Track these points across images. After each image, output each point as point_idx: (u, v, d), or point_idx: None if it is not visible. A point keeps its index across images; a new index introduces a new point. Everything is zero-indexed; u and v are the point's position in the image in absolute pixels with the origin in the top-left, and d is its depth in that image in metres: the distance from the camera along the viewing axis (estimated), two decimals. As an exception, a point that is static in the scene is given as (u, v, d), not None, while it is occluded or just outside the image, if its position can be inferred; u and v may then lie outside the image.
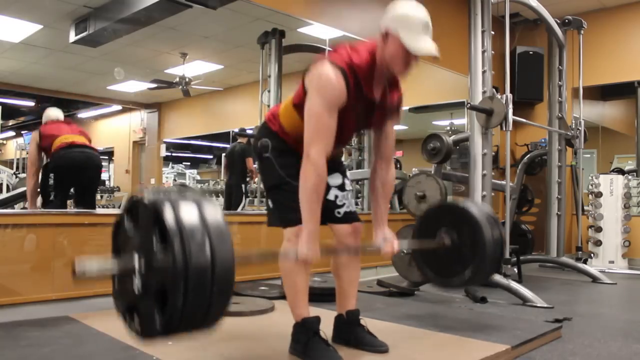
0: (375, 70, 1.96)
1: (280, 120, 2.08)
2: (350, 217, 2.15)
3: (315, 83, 1.88)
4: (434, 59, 1.90)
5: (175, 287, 1.26)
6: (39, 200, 3.99)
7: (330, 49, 2.02)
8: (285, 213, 2.01)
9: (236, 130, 10.42)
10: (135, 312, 1.38)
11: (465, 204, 2.51)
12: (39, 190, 3.96)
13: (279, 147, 2.07)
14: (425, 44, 1.88)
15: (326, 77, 1.86)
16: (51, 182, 3.84)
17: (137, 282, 1.34)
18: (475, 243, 2.37)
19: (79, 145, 3.93)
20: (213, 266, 1.29)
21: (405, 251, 3.73)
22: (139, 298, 1.35)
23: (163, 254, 1.29)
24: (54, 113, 4.17)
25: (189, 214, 1.32)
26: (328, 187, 2.12)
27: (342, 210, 2.14)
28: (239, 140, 6.73)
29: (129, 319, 1.40)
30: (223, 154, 7.08)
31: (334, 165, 2.17)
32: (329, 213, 2.10)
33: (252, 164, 6.43)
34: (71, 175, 3.89)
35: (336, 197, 2.14)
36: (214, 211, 1.37)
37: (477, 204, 2.56)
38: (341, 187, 2.18)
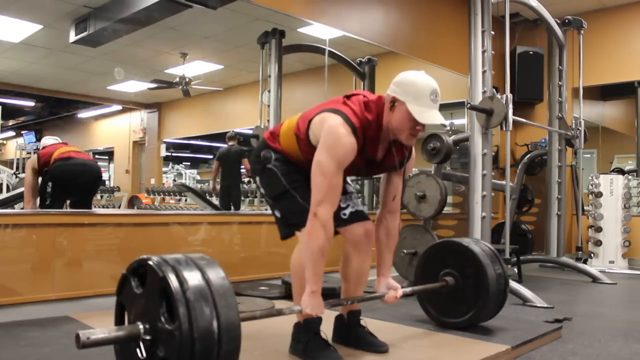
0: (381, 132, 1.96)
1: (280, 141, 2.07)
2: (358, 216, 2.11)
3: (327, 139, 1.85)
4: (442, 126, 1.91)
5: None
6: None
7: (344, 97, 2.00)
8: (295, 218, 1.98)
9: (236, 130, 10.45)
10: None
11: (467, 242, 2.52)
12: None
13: (281, 157, 2.06)
14: (432, 114, 1.87)
15: (338, 136, 1.84)
16: (49, 189, 3.86)
17: (142, 349, 1.34)
18: (479, 284, 2.40)
19: (78, 157, 3.98)
20: (219, 340, 1.29)
21: (405, 251, 3.74)
22: None
23: (169, 324, 1.29)
24: (50, 139, 4.29)
25: (195, 282, 1.32)
26: None
27: (347, 212, 2.10)
28: (230, 143, 6.81)
29: None
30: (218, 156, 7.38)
31: None
32: (335, 218, 2.06)
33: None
34: (70, 186, 3.92)
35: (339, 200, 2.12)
36: (220, 278, 1.38)
37: (478, 242, 2.58)
38: (342, 192, 2.12)
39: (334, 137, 1.84)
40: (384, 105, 1.94)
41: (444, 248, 2.63)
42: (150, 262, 1.36)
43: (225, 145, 6.87)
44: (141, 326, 1.34)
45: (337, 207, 2.06)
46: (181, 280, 1.31)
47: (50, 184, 3.86)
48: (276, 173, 2.03)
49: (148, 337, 1.33)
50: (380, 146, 2.00)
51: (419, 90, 1.88)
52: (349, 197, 2.14)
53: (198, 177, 13.63)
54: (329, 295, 2.65)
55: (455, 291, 2.47)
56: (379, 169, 2.10)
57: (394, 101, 1.90)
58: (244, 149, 6.64)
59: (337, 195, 1.89)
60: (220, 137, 11.68)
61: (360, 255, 2.12)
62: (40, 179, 3.96)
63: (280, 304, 2.92)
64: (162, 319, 1.31)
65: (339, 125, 1.85)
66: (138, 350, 1.35)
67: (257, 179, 2.13)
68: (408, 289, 2.31)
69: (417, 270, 2.67)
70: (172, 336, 1.27)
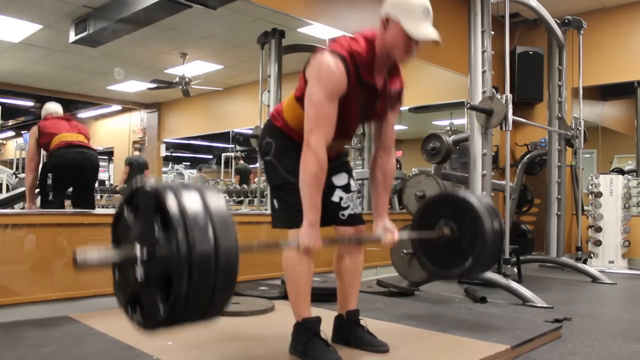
0: (375, 57, 1.96)
1: (284, 115, 2.06)
2: (354, 220, 2.12)
3: (315, 72, 1.88)
4: (435, 43, 1.89)
5: (179, 274, 1.24)
6: (38, 200, 4.00)
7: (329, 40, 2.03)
8: (290, 214, 1.97)
9: (236, 130, 10.52)
10: (138, 303, 1.36)
11: (465, 194, 2.50)
12: (37, 190, 3.97)
13: (283, 144, 2.05)
14: (426, 30, 1.88)
15: (326, 65, 1.86)
16: (49, 182, 3.84)
17: (139, 271, 1.32)
18: (475, 234, 2.36)
19: (78, 145, 3.94)
20: (217, 254, 1.28)
21: (405, 251, 3.74)
22: (141, 287, 1.33)
23: (166, 241, 1.27)
24: (53, 107, 4.14)
25: (191, 201, 1.31)
26: (333, 188, 2.10)
27: (346, 213, 2.11)
28: (136, 154, 9.07)
29: (132, 311, 1.38)
30: (127, 160, 8.79)
31: (340, 163, 2.16)
32: (333, 215, 2.08)
33: (148, 175, 8.72)
34: (69, 175, 3.90)
35: (341, 198, 2.11)
36: (217, 199, 1.36)
37: (477, 195, 2.55)
38: (346, 188, 2.14)
39: (322, 66, 1.86)
40: (375, 33, 1.96)
41: (441, 200, 2.59)
42: (144, 187, 1.36)
43: (136, 154, 9.04)
44: (138, 243, 1.33)
45: (338, 207, 2.09)
46: (176, 194, 1.30)
47: (50, 175, 3.83)
48: (276, 165, 2.04)
49: (146, 255, 1.31)
50: (376, 73, 1.99)
51: (411, 7, 1.89)
52: (351, 197, 2.14)
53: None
54: (328, 295, 2.66)
55: (452, 242, 2.41)
56: (381, 104, 2.06)
57: (387, 20, 1.92)
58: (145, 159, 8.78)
59: (330, 124, 1.87)
60: (220, 137, 11.72)
61: (352, 254, 2.14)
62: (39, 177, 3.94)
63: (280, 304, 2.93)
64: (158, 235, 1.29)
65: (327, 58, 1.87)
66: (136, 274, 1.33)
67: (263, 164, 2.14)
68: (405, 233, 2.30)
69: (414, 221, 2.62)
70: (169, 251, 1.25)
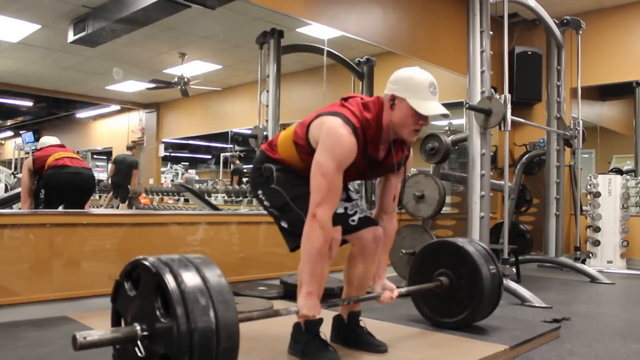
0: (382, 132, 1.94)
1: (279, 150, 2.05)
2: (367, 222, 2.08)
3: (326, 140, 1.84)
4: (444, 116, 1.89)
5: (181, 356, 1.26)
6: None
7: (343, 99, 2.00)
8: (302, 228, 1.89)
9: (235, 130, 10.53)
10: None
11: (461, 242, 2.52)
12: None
13: (282, 167, 2.03)
14: (433, 106, 1.87)
15: (338, 136, 1.82)
16: (41, 196, 3.94)
17: (140, 349, 1.34)
18: (473, 284, 2.40)
19: (73, 165, 4.00)
20: (218, 338, 1.29)
21: (404, 251, 3.74)
22: None
23: (167, 323, 1.28)
24: (48, 140, 4.28)
25: (191, 280, 1.32)
26: None
27: (356, 218, 2.06)
28: (127, 153, 8.79)
29: None
30: (113, 159, 8.69)
31: None
32: (343, 225, 2.02)
33: (137, 175, 8.52)
34: (63, 193, 3.96)
35: (345, 208, 2.07)
36: (216, 276, 1.37)
37: (472, 242, 2.58)
38: (347, 199, 2.11)
39: (333, 137, 1.83)
40: (383, 104, 1.93)
41: (438, 248, 2.63)
42: (144, 262, 1.36)
43: (127, 153, 8.85)
44: (138, 327, 1.34)
45: (345, 215, 2.05)
46: (175, 275, 1.31)
47: (43, 191, 3.92)
48: (281, 192, 2.00)
49: (146, 334, 1.33)
50: (381, 146, 1.99)
51: (417, 84, 1.88)
52: (355, 204, 2.11)
53: (197, 177, 13.62)
54: (327, 295, 2.65)
55: (450, 291, 2.47)
56: (380, 171, 2.08)
57: (393, 99, 1.90)
58: (135, 159, 8.53)
59: (337, 196, 1.87)
60: (219, 137, 11.71)
61: (367, 260, 2.11)
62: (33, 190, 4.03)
63: (278, 304, 2.92)
64: (159, 315, 1.30)
65: (338, 125, 1.84)
66: (137, 349, 1.34)
67: (260, 192, 2.08)
68: (404, 289, 2.30)
69: (411, 270, 2.67)
70: (170, 332, 1.27)
